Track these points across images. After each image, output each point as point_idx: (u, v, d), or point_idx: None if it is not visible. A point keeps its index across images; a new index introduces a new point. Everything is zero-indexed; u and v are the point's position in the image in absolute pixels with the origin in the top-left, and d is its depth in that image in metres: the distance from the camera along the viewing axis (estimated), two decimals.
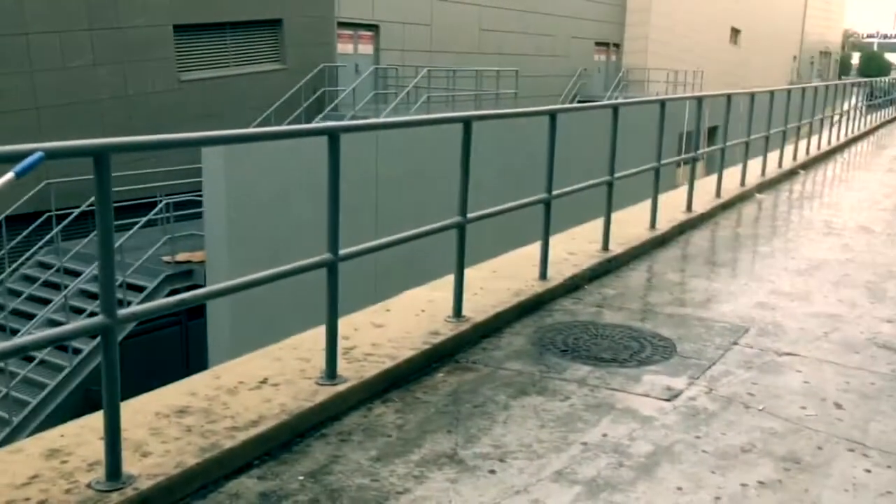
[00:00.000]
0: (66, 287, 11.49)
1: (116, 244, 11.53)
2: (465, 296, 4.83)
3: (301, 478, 3.15)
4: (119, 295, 11.01)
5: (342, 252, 3.70)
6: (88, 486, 2.80)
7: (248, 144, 10.32)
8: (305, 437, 3.47)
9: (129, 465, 2.92)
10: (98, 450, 2.98)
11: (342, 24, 19.98)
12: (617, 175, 6.48)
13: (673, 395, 4.04)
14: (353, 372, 3.93)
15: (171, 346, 13.47)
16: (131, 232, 11.64)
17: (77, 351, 10.87)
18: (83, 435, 3.17)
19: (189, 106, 15.94)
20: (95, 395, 2.89)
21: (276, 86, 17.72)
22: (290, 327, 4.79)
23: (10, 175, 2.15)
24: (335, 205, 3.64)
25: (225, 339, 10.87)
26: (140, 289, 11.86)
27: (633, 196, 8.44)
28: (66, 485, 2.82)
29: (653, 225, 7.52)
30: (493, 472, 3.23)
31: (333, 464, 3.26)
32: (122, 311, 2.79)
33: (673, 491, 3.12)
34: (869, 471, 3.35)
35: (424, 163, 13.20)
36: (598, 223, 6.74)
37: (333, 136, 3.58)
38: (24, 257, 12.67)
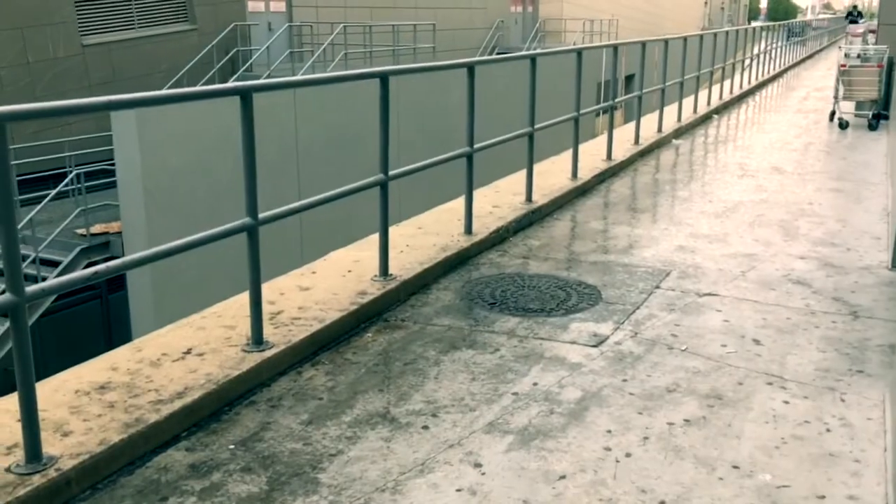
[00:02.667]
0: None
1: (27, 218, 11.07)
2: (392, 254, 4.80)
3: (231, 447, 3.09)
4: (32, 271, 10.58)
5: (262, 215, 3.61)
6: (8, 469, 2.69)
7: (160, 108, 9.95)
8: (234, 405, 3.41)
9: (50, 445, 2.82)
10: (16, 432, 2.87)
11: None
12: (537, 126, 6.49)
13: (599, 341, 4.11)
14: (280, 337, 3.87)
15: (92, 322, 13.07)
16: (41, 205, 11.16)
17: None
18: None
19: (94, 71, 15.28)
20: (13, 375, 2.77)
21: (187, 47, 17.12)
22: (216, 295, 4.67)
23: None
24: (252, 167, 3.53)
25: (148, 311, 10.59)
26: (55, 264, 11.42)
27: (556, 147, 8.49)
28: None
29: (574, 175, 7.59)
30: (426, 427, 3.23)
31: (264, 430, 3.21)
32: (31, 288, 2.66)
33: (602, 434, 3.18)
34: (787, 402, 3.48)
35: (345, 122, 13.01)
36: (522, 175, 6.77)
37: (246, 95, 3.47)
38: None
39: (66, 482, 2.71)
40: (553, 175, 7.55)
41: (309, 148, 12.72)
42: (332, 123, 13.14)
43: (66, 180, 12.24)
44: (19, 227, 2.62)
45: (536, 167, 6.77)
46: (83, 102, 2.95)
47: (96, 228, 12.21)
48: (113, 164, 11.56)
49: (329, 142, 13.09)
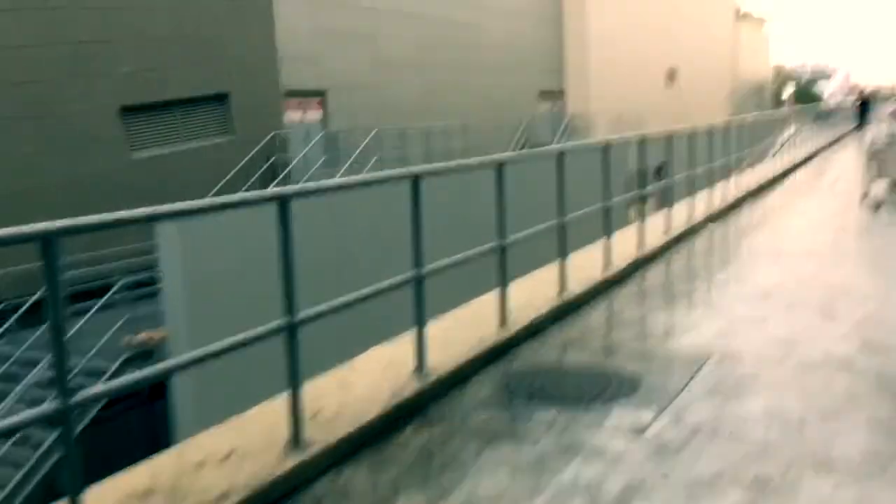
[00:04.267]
0: (18, 379, 11.23)
1: (74, 329, 11.34)
2: (428, 349, 4.85)
3: None
4: (80, 381, 10.77)
5: (300, 315, 3.70)
6: None
7: (203, 217, 10.29)
8: None
9: None
10: None
11: (289, 94, 20.20)
12: (567, 217, 6.59)
13: (641, 430, 4.07)
14: (320, 436, 3.90)
15: (135, 429, 13.17)
16: (88, 316, 11.47)
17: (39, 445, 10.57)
18: None
19: (141, 184, 15.88)
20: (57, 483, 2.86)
21: (228, 158, 17.78)
22: (258, 397, 4.74)
23: None
24: (289, 269, 3.65)
25: (190, 416, 10.66)
26: (101, 374, 11.63)
27: (589, 237, 8.57)
28: None
29: (608, 264, 7.64)
30: None
31: None
32: (78, 395, 2.76)
33: None
34: (836, 487, 3.40)
35: (382, 222, 13.27)
36: (555, 267, 6.83)
37: (283, 201, 3.62)
38: None
39: None
40: (586, 265, 7.60)
41: (347, 249, 12.96)
42: (369, 225, 13.42)
43: (112, 290, 12.59)
44: (67, 336, 2.74)
45: (570, 258, 6.84)
46: (130, 215, 3.11)
47: (141, 337, 12.47)
48: (157, 275, 11.89)
49: (366, 242, 13.33)
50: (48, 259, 2.60)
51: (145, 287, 12.93)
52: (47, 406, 2.70)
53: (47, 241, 2.62)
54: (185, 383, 10.58)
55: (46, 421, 2.80)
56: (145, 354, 12.31)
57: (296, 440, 3.75)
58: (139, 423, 13.36)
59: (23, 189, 14.33)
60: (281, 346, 3.73)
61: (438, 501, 3.41)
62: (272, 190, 3.74)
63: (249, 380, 9.76)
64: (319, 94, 21.58)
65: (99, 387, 3.13)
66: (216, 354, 3.43)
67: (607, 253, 7.66)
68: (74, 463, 2.70)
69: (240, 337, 3.52)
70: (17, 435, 10.09)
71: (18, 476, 10.29)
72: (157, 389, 12.14)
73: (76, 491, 2.71)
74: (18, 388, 11.04)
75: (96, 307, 11.82)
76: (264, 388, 5.30)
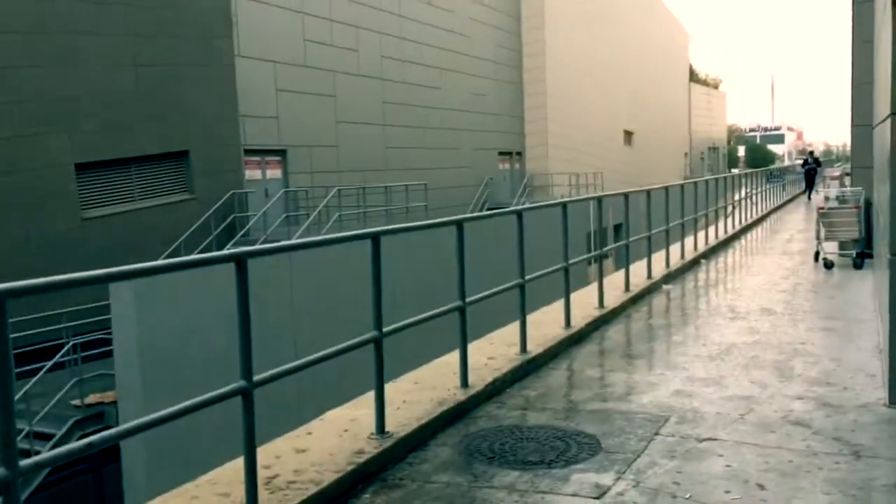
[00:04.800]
0: None
1: (22, 391, 11.01)
2: (388, 410, 4.78)
3: None
4: (25, 445, 10.40)
5: (256, 378, 3.63)
6: None
7: (157, 277, 10.14)
8: None
9: None
10: None
11: (249, 152, 20.21)
12: (527, 277, 6.63)
13: (601, 493, 4.03)
14: (275, 502, 3.79)
15: (84, 495, 12.71)
16: (36, 378, 11.15)
17: None
18: None
19: (93, 243, 15.64)
20: None
21: (185, 216, 17.63)
22: (211, 461, 4.61)
23: None
24: (246, 330, 3.59)
25: (142, 481, 10.35)
26: (49, 437, 11.25)
27: (548, 297, 8.62)
28: None
29: (568, 323, 7.66)
30: None
31: None
32: (24, 462, 2.65)
33: None
34: None
35: (340, 281, 13.21)
36: (515, 326, 6.83)
37: (241, 261, 3.58)
38: None
39: None
40: (546, 324, 7.62)
41: (305, 308, 12.87)
42: (328, 283, 13.35)
43: (63, 351, 12.26)
44: (14, 398, 2.64)
45: (529, 317, 6.85)
46: (82, 276, 3.04)
47: (91, 399, 12.13)
48: (109, 334, 11.63)
49: (325, 301, 13.25)
50: None
51: (97, 348, 12.63)
52: None
53: None
54: (137, 448, 10.29)
55: None
56: (96, 417, 11.97)
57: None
58: (89, 488, 12.92)
59: None
60: (236, 408, 3.64)
61: None
62: (229, 251, 3.69)
63: (203, 443, 9.53)
64: (280, 153, 21.62)
65: (47, 453, 3.01)
66: (169, 418, 3.33)
67: (567, 312, 7.69)
68: None
69: (194, 400, 3.43)
70: None
71: None
72: (109, 453, 11.78)
73: None
74: None
75: (45, 368, 11.49)
76: (218, 451, 5.17)
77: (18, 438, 9.96)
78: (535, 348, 6.75)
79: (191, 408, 3.40)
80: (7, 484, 2.58)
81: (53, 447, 10.80)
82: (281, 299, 12.68)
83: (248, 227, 18.22)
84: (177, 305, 10.92)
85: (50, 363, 11.72)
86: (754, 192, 22.84)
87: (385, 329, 4.67)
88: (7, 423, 2.60)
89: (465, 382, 5.66)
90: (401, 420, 4.93)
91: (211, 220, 17.99)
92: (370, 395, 4.84)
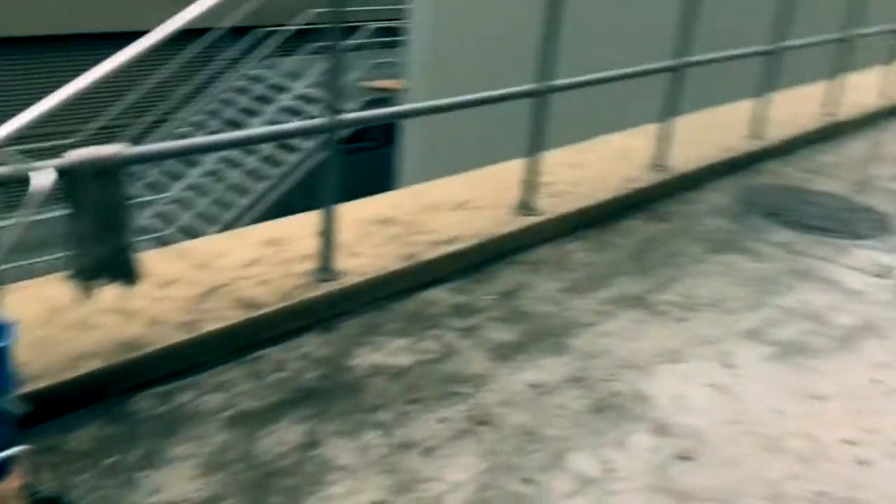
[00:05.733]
0: (272, 101, 12.13)
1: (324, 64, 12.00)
2: (671, 144, 4.66)
3: (491, 297, 3.28)
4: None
5: (553, 83, 3.63)
6: (303, 274, 3.06)
7: None
8: (497, 261, 3.58)
9: (339, 262, 3.15)
10: (311, 245, 3.23)
11: None
12: (855, 32, 5.85)
13: (884, 272, 3.79)
14: (548, 206, 3.96)
15: (361, 171, 14.08)
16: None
17: (280, 164, 11.55)
18: (298, 230, 3.44)
19: None
20: (292, 205, 3.15)
21: None
22: (482, 160, 4.83)
23: None
24: (554, 32, 3.53)
25: (415, 167, 11.18)
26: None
27: (865, 62, 7.63)
28: (284, 270, 3.09)
29: (885, 91, 6.81)
30: (681, 320, 3.21)
31: (522, 289, 3.36)
32: (343, 116, 2.92)
33: (873, 366, 2.98)
34: None
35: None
36: (825, 86, 6.19)
37: None
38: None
39: (350, 294, 3.03)
40: (861, 90, 6.82)
41: (609, 22, 12.31)
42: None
43: (354, 35, 12.97)
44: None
45: (844, 79, 6.15)
46: None
47: (378, 84, 12.94)
48: (405, 22, 12.05)
49: (630, 20, 12.62)
50: None
51: (393, 36, 13.22)
52: (318, 121, 2.89)
53: None
54: (417, 133, 11.00)
55: (316, 131, 3.01)
56: (381, 101, 12.83)
57: (526, 205, 3.83)
58: (368, 165, 14.27)
59: None
60: (515, 116, 3.71)
61: (653, 292, 3.42)
62: None
63: (475, 143, 9.98)
64: None
65: (360, 113, 3.30)
66: (462, 106, 3.48)
67: (888, 78, 6.81)
68: (334, 179, 2.92)
69: (490, 94, 3.53)
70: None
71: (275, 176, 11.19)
72: (387, 137, 12.78)
73: (333, 203, 2.95)
74: (273, 106, 11.96)
75: (348, 47, 12.28)
76: (490, 153, 5.38)
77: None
78: (843, 114, 6.12)
79: (482, 101, 3.50)
80: (331, 129, 2.88)
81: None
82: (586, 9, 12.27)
83: None
84: (480, 3, 10.86)
85: (351, 43, 12.48)
86: None
87: (686, 58, 4.40)
88: (335, 81, 2.83)
89: (756, 133, 5.32)
90: (681, 157, 4.80)
91: None
92: (652, 128, 4.72)
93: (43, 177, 1.68)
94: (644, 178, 4.47)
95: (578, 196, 4.14)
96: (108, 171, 2.17)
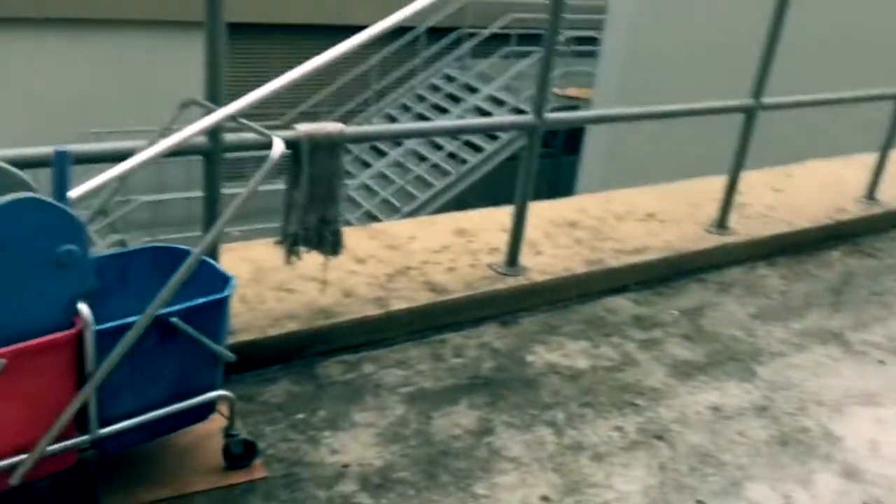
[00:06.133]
0: (464, 101, 12.37)
1: (517, 68, 12.10)
2: (884, 177, 4.35)
3: (675, 312, 3.19)
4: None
5: (766, 100, 3.48)
6: (489, 266, 3.11)
7: None
8: (684, 276, 3.48)
9: (524, 258, 3.17)
10: (498, 238, 3.29)
11: None
12: None
13: None
14: (742, 227, 3.80)
15: (540, 176, 14.08)
16: (529, 60, 12.08)
17: (464, 162, 11.75)
18: (486, 223, 3.50)
19: None
20: (470, 203, 3.19)
21: None
22: (663, 175, 4.71)
23: None
24: (772, 43, 3.38)
25: (597, 176, 11.05)
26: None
27: None
28: (471, 260, 3.16)
29: None
30: (882, 362, 2.99)
31: (708, 308, 3.25)
32: (549, 116, 2.94)
33: None
34: None
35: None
36: None
37: None
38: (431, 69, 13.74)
39: (532, 291, 3.05)
40: None
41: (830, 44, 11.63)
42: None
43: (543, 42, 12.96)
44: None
45: None
46: None
47: (570, 91, 12.90)
48: (601, 34, 11.94)
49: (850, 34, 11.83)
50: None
51: (587, 45, 13.14)
52: (524, 118, 2.93)
53: None
54: (598, 143, 10.88)
55: (521, 128, 3.06)
56: (569, 109, 12.79)
57: (720, 223, 3.70)
58: (547, 173, 14.26)
59: None
60: (705, 131, 3.59)
61: (853, 329, 3.20)
62: None
63: (659, 155, 9.74)
64: None
65: (563, 114, 3.31)
66: (669, 115, 3.41)
67: None
68: (530, 175, 2.95)
69: (698, 105, 3.44)
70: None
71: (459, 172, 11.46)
72: (570, 146, 12.72)
73: (525, 200, 2.98)
74: (462, 106, 12.19)
75: (538, 53, 12.33)
76: (672, 167, 5.21)
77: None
78: None
79: (682, 112, 3.42)
80: (534, 129, 2.91)
81: None
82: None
83: None
84: (679, 11, 10.58)
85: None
86: None
87: None
88: (543, 82, 2.86)
89: None
90: (894, 192, 4.47)
91: None
92: (865, 158, 4.42)
93: (278, 144, 1.81)
94: (851, 210, 4.20)
95: (776, 221, 3.94)
96: (328, 147, 2.31)
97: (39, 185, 1.69)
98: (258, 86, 2.07)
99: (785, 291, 3.47)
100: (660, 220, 3.80)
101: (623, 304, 3.21)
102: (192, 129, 1.90)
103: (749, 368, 2.86)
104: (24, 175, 1.67)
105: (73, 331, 1.67)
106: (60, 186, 1.62)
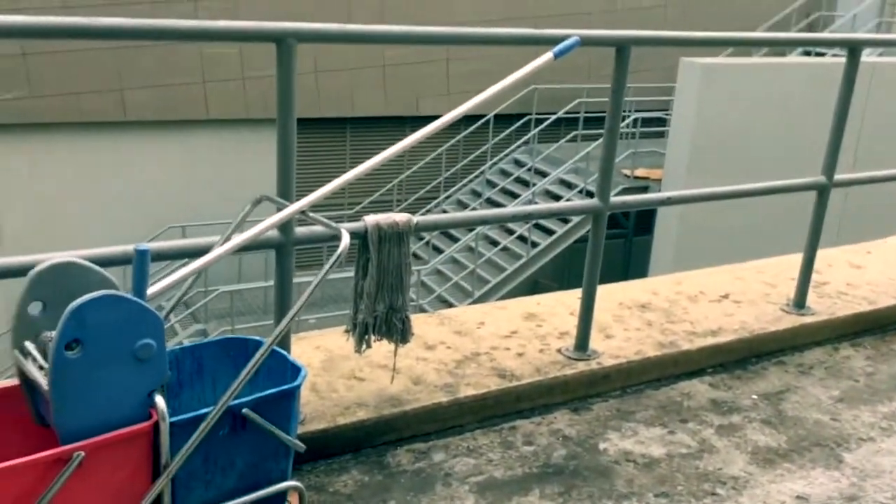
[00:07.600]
0: (533, 185, 12.50)
1: (584, 151, 12.20)
2: None
3: (754, 397, 3.08)
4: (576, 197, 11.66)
5: (839, 177, 3.42)
6: (558, 350, 3.09)
7: (727, 60, 9.99)
8: (762, 359, 3.38)
9: (594, 342, 3.13)
10: (567, 322, 3.27)
11: None
12: None
13: None
14: (822, 307, 3.69)
15: (613, 257, 13.99)
16: (597, 143, 12.16)
17: (535, 244, 11.81)
18: (555, 307, 3.48)
19: (670, 20, 15.79)
20: (542, 286, 3.18)
21: (765, 7, 16.67)
22: (734, 256, 4.63)
23: (548, 55, 2.36)
24: (840, 123, 3.35)
25: (668, 255, 10.93)
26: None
27: None
28: (540, 345, 3.14)
29: None
30: None
31: (790, 392, 3.13)
32: (614, 199, 2.95)
33: None
34: None
35: None
36: None
37: (854, 50, 3.28)
38: (502, 154, 13.97)
39: (603, 376, 3.00)
40: None
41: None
42: None
43: (624, 123, 13.08)
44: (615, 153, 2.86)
45: None
46: (683, 36, 3.09)
47: (639, 172, 12.90)
48: (668, 114, 11.99)
49: None
50: (620, 64, 2.72)
51: (657, 126, 13.21)
52: (589, 202, 2.94)
53: (621, 49, 2.73)
54: (670, 223, 10.80)
55: (587, 212, 3.06)
56: (640, 190, 12.76)
57: (798, 303, 3.60)
58: (619, 253, 14.16)
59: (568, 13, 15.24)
60: (772, 208, 3.53)
61: None
62: (835, 35, 3.39)
63: (735, 234, 9.59)
64: None
65: (632, 196, 3.32)
66: (718, 197, 3.38)
67: None
68: (597, 257, 2.94)
69: (766, 184, 3.40)
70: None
71: (513, 266, 11.59)
72: (642, 226, 12.64)
73: (593, 284, 2.97)
74: (531, 190, 12.31)
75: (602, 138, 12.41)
76: (750, 245, 5.14)
77: (571, 194, 11.25)
78: None
79: (752, 192, 3.37)
80: (599, 213, 2.91)
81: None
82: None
83: (832, 27, 16.60)
84: (745, 92, 10.60)
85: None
86: None
87: None
88: (607, 165, 2.88)
89: None
90: None
91: (792, 16, 16.77)
92: None
93: (346, 237, 1.87)
94: None
95: (857, 299, 3.81)
96: (396, 236, 2.36)
97: (126, 278, 1.77)
98: (330, 176, 2.15)
99: (871, 373, 3.33)
100: (734, 300, 3.72)
101: (699, 389, 3.12)
102: (264, 225, 1.98)
103: (836, 455, 2.73)
104: (106, 273, 1.76)
105: (149, 423, 1.72)
106: (140, 283, 1.70)
